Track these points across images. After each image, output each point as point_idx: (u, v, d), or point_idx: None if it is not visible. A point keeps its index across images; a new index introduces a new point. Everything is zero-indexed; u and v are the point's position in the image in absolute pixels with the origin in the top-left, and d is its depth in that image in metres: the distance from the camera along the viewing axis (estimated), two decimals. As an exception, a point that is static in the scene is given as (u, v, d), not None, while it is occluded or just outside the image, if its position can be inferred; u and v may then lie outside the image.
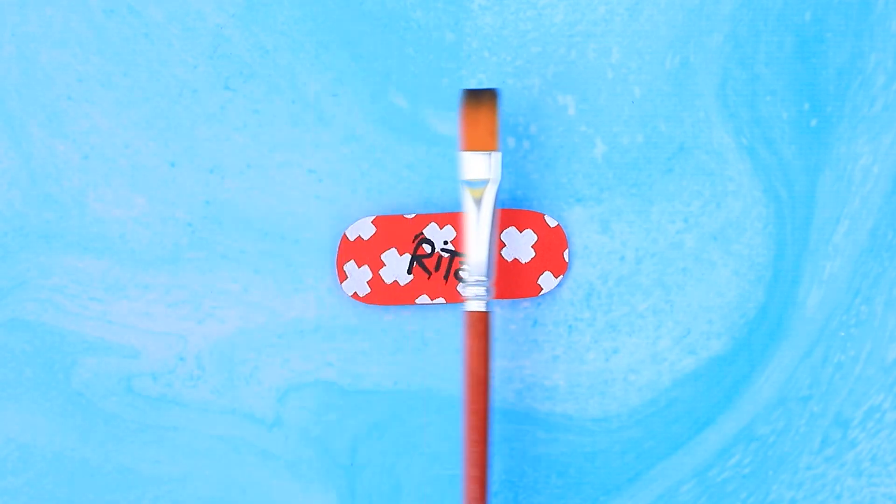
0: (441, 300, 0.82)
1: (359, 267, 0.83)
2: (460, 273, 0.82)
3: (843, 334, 0.84)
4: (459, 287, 0.79)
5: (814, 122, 0.83)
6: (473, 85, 0.84)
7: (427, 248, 0.83)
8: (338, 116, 0.84)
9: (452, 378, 0.84)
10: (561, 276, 0.83)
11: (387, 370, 0.85)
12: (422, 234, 0.83)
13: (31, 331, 0.85)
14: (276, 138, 0.85)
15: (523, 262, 0.83)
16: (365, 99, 0.84)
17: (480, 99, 0.78)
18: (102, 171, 0.85)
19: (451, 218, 0.83)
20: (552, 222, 0.83)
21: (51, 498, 0.85)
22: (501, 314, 0.85)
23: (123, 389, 0.85)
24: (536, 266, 0.83)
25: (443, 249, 0.83)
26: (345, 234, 0.83)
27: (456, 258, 0.83)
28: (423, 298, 0.82)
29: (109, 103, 0.85)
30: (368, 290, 0.83)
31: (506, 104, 0.84)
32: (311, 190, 0.85)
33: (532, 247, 0.83)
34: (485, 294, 0.78)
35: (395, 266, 0.83)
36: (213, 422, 0.85)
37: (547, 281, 0.83)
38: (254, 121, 0.85)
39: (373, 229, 0.83)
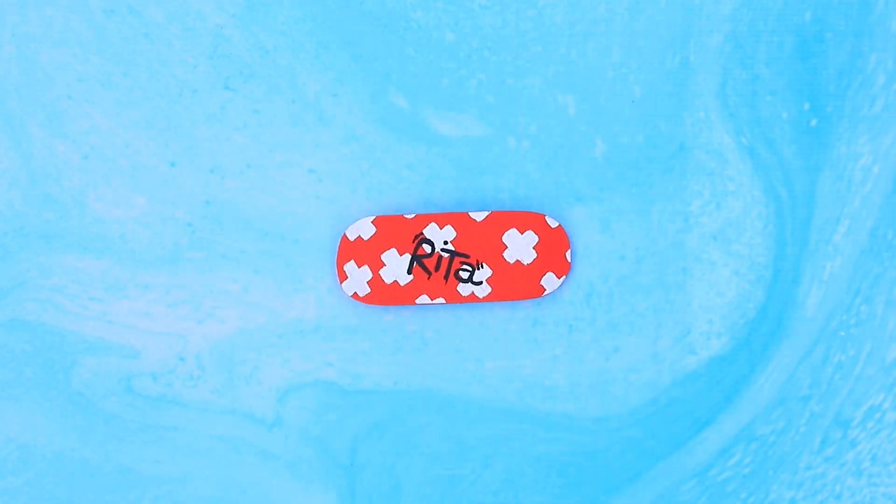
0: (441, 300, 0.83)
1: (359, 267, 0.83)
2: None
3: (843, 334, 0.84)
4: None
5: (814, 122, 0.83)
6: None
7: (427, 248, 0.83)
8: (338, 116, 0.84)
9: (452, 378, 0.84)
10: (563, 277, 0.83)
11: (387, 370, 0.85)
12: (422, 234, 0.83)
13: (31, 331, 0.85)
14: (276, 138, 0.85)
15: (525, 263, 0.83)
16: (365, 99, 0.84)
17: None
18: (102, 171, 0.85)
19: (451, 218, 0.83)
20: (553, 223, 0.83)
21: (51, 498, 0.85)
22: (501, 314, 0.85)
23: (123, 389, 0.85)
24: (539, 267, 0.83)
25: (443, 249, 0.83)
26: (345, 234, 0.83)
27: (456, 258, 0.83)
28: (423, 298, 0.82)
29: (109, 103, 0.85)
30: (368, 290, 0.83)
31: (506, 104, 0.84)
32: (311, 190, 0.85)
33: (534, 248, 0.83)
34: None
35: (395, 266, 0.83)
36: (213, 422, 0.85)
37: (549, 281, 0.83)
38: (254, 121, 0.85)
39: (373, 229, 0.83)
